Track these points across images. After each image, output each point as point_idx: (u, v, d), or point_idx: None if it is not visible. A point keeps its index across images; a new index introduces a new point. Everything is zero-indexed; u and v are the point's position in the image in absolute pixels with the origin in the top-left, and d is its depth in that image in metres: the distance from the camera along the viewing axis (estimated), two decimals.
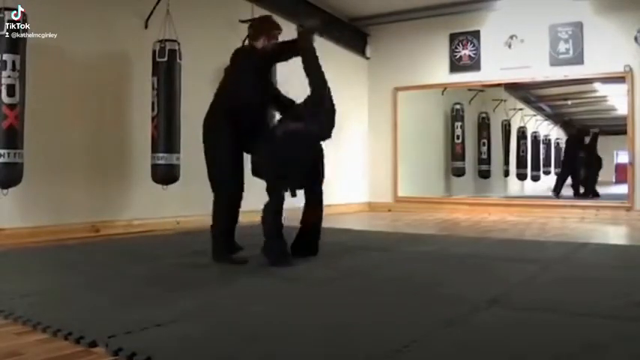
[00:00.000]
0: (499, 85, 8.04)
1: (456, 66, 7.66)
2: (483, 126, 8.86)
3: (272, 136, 3.31)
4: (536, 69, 7.11)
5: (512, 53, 7.23)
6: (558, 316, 2.11)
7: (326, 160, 3.52)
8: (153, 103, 4.70)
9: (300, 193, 3.41)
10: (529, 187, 9.35)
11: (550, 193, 8.53)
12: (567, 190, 8.45)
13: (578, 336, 1.84)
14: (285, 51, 3.53)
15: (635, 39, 6.47)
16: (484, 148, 8.82)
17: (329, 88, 3.37)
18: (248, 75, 3.36)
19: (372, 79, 8.31)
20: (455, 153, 8.70)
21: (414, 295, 2.50)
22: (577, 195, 8.24)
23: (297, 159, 3.25)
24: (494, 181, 8.99)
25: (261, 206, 3.21)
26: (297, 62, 3.44)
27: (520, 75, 7.33)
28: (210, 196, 3.38)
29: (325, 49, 7.39)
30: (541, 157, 9.65)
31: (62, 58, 4.45)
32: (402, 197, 8.03)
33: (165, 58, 4.66)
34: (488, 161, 8.87)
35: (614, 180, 8.84)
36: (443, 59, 7.72)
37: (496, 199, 8.07)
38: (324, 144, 3.49)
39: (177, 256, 3.60)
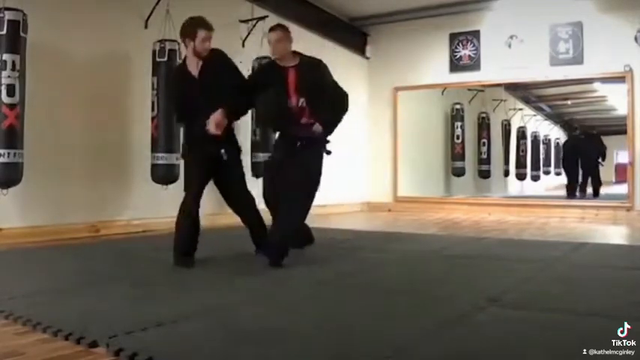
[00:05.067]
0: (499, 85, 8.05)
1: (456, 66, 7.65)
2: (483, 126, 8.85)
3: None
4: (536, 69, 7.11)
5: (512, 53, 7.23)
6: (558, 315, 2.11)
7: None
8: (153, 103, 4.71)
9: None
10: (529, 187, 9.35)
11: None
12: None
13: (578, 336, 1.84)
14: None
15: (635, 39, 6.47)
16: (484, 148, 8.82)
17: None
18: None
19: (372, 79, 8.31)
20: (455, 153, 8.70)
21: (414, 295, 2.50)
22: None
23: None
24: (494, 181, 8.99)
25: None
26: None
27: (520, 75, 7.33)
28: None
29: (325, 49, 7.43)
30: (541, 157, 9.65)
31: (62, 58, 4.45)
32: (401, 197, 8.03)
33: (165, 58, 4.67)
34: (488, 161, 8.86)
35: (614, 180, 8.83)
36: (443, 59, 7.72)
37: (496, 199, 8.06)
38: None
39: None
